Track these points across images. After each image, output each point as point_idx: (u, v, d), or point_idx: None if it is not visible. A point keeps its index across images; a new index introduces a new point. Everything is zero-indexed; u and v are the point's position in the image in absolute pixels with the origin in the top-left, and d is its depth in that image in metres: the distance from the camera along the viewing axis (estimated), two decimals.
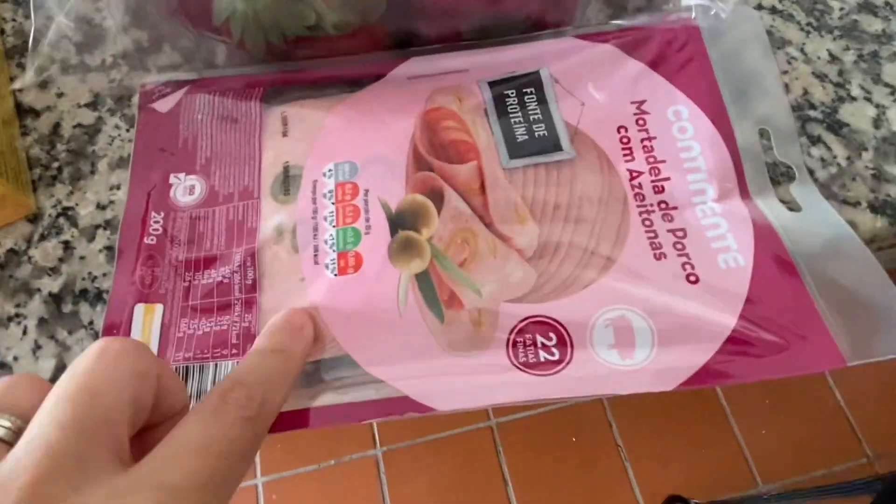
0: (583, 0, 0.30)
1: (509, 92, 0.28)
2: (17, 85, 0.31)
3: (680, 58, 0.29)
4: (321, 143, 0.28)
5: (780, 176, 0.29)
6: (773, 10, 0.35)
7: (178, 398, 0.19)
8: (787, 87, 0.32)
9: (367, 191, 0.26)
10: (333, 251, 0.25)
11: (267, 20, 0.27)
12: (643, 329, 0.23)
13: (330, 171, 0.27)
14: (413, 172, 0.26)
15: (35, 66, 0.27)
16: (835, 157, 0.30)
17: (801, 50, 0.33)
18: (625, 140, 0.27)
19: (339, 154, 0.27)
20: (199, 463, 0.15)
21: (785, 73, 0.32)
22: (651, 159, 0.27)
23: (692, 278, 0.24)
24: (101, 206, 0.30)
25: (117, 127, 0.32)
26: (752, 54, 0.30)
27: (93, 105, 0.33)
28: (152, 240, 0.26)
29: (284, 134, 0.28)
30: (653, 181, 0.27)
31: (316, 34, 0.28)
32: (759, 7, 0.35)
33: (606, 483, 0.94)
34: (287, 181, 0.27)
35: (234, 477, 0.16)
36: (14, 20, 0.36)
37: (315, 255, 0.25)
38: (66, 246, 0.29)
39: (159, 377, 0.17)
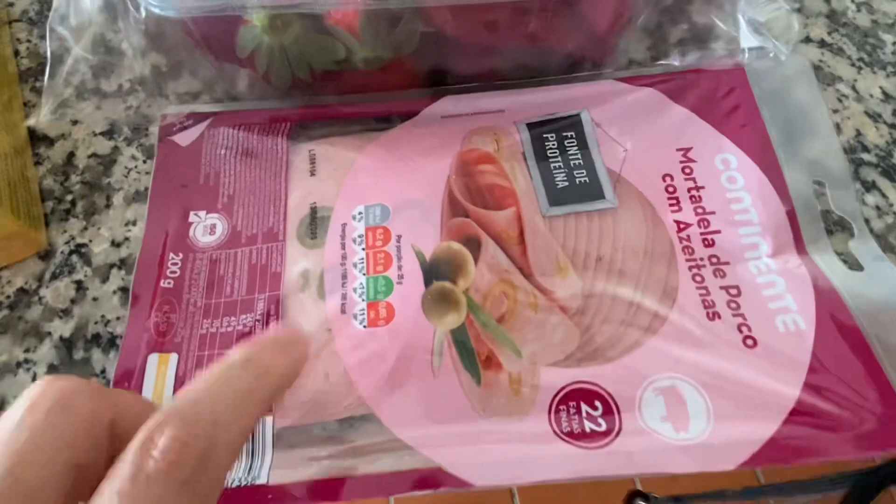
0: (623, 39, 0.29)
1: (549, 135, 0.27)
2: (31, 122, 0.30)
3: (726, 103, 0.28)
4: (351, 184, 0.26)
5: (834, 225, 0.27)
6: (822, 44, 0.33)
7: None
8: (838, 128, 0.30)
9: (399, 237, 0.25)
10: (363, 301, 0.23)
11: (294, 54, 0.26)
12: (698, 399, 0.21)
13: (360, 214, 0.25)
14: (448, 218, 0.25)
15: (51, 103, 0.26)
16: (891, 205, 0.28)
17: (853, 87, 0.32)
18: (671, 189, 0.26)
19: (369, 196, 0.26)
20: None
21: (836, 112, 0.31)
22: (700, 210, 0.25)
23: (749, 342, 0.22)
24: (115, 244, 0.28)
25: (134, 158, 0.31)
26: (800, 92, 0.29)
27: (109, 134, 0.31)
28: (169, 283, 0.25)
29: (312, 173, 0.27)
30: (702, 234, 0.25)
31: (345, 68, 0.27)
32: (807, 40, 0.33)
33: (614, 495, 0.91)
34: (314, 223, 0.25)
35: None
36: (29, 41, 0.35)
37: (343, 304, 0.24)
38: (79, 286, 0.27)
39: (114, 422, 0.13)
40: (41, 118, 0.26)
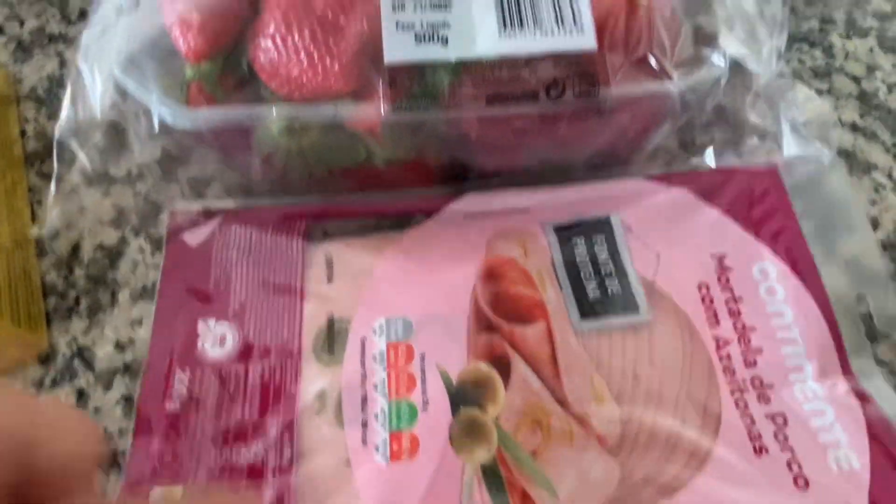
0: (652, 135, 0.28)
1: (578, 240, 0.26)
2: (35, 232, 0.29)
3: (761, 206, 0.26)
4: (371, 293, 0.25)
5: (877, 331, 0.26)
6: (854, 128, 0.32)
7: (77, 456, 0.11)
8: (875, 222, 0.29)
9: (423, 355, 0.23)
10: (385, 430, 0.22)
11: (312, 156, 0.25)
12: None
13: (381, 327, 0.24)
14: (475, 333, 0.24)
15: (57, 212, 0.24)
16: None
17: (889, 175, 0.31)
18: (707, 300, 0.25)
19: (391, 307, 0.24)
20: None
21: (873, 203, 0.30)
22: (739, 326, 0.24)
23: (800, 481, 0.21)
24: (120, 346, 0.27)
25: (141, 250, 0.29)
26: (833, 181, 0.28)
27: (116, 223, 0.30)
28: (175, 406, 0.23)
29: (329, 279, 0.25)
30: (743, 352, 0.24)
31: (363, 167, 0.26)
32: (840, 123, 0.32)
33: None
34: (332, 337, 0.24)
35: None
36: (36, 120, 0.34)
37: (363, 434, 0.22)
38: (81, 394, 0.26)
39: (33, 447, 0.10)
40: (46, 228, 0.25)
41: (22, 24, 0.38)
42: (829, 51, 0.35)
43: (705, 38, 0.23)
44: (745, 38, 0.22)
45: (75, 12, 0.39)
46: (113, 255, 0.29)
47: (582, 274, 0.25)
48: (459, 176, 0.28)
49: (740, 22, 0.23)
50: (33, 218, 0.31)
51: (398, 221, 0.27)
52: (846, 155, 0.31)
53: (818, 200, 0.27)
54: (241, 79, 0.25)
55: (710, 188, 0.27)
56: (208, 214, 0.27)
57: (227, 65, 0.24)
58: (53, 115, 0.34)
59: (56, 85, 0.35)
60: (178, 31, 0.23)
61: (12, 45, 0.37)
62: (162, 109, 0.22)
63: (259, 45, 0.23)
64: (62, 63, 0.36)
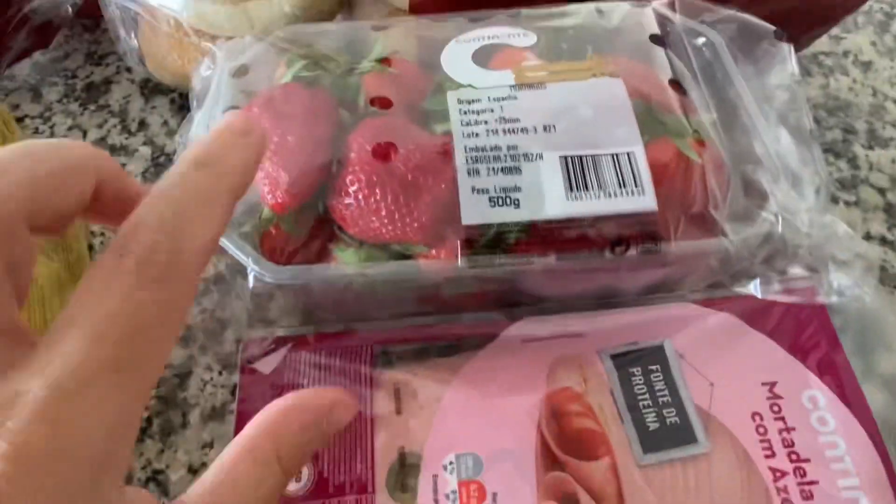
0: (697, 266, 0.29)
1: (634, 369, 0.27)
2: None
3: (805, 332, 0.28)
4: (439, 426, 0.26)
5: None
6: (883, 241, 0.34)
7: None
8: None
9: (495, 495, 0.24)
10: None
11: (384, 291, 0.27)
12: None
13: (451, 464, 0.25)
14: (543, 471, 0.25)
15: None
16: None
17: None
18: (761, 430, 0.26)
19: (459, 442, 0.25)
20: (94, 352, 0.11)
21: None
22: (794, 456, 0.25)
23: None
24: (192, 470, 0.28)
25: (209, 368, 0.31)
26: (867, 296, 0.29)
27: (183, 341, 0.32)
28: None
29: (398, 411, 0.27)
30: (799, 484, 0.25)
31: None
32: (868, 237, 0.34)
33: None
34: (404, 473, 0.25)
35: (149, 358, 0.12)
36: (103, 234, 0.36)
37: None
38: None
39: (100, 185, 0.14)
40: None
41: (84, 134, 0.40)
42: (853, 162, 0.37)
43: (755, 192, 0.24)
44: (792, 194, 0.24)
45: (135, 123, 0.41)
46: (182, 374, 0.31)
47: (641, 405, 0.26)
48: (515, 300, 0.29)
49: (785, 175, 0.25)
50: None
51: (459, 345, 0.29)
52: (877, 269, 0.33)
53: (853, 317, 0.29)
54: (317, 218, 0.26)
55: (755, 312, 0.28)
56: (279, 341, 0.29)
57: (305, 208, 0.26)
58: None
59: None
60: (266, 187, 0.25)
61: None
62: (258, 269, 0.23)
63: (341, 200, 0.24)
64: None
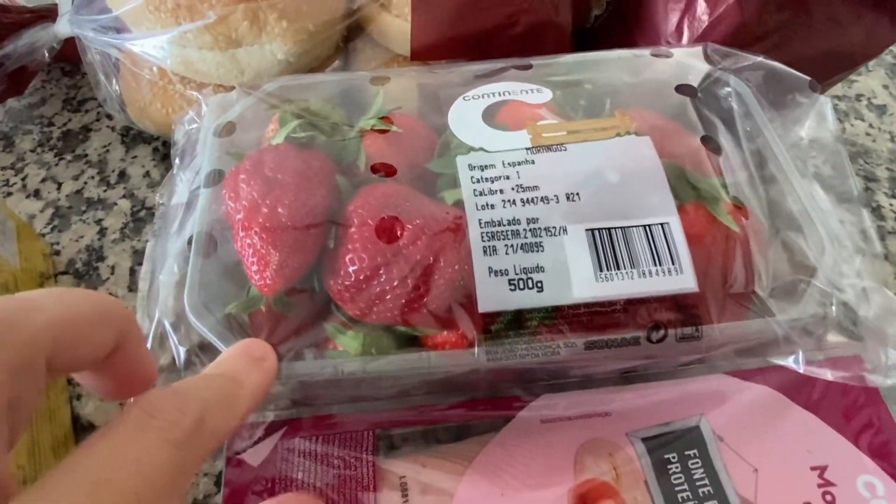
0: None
1: (670, 456, 0.24)
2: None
3: (853, 404, 0.25)
4: None
5: None
6: None
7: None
8: None
9: None
10: None
11: (389, 378, 0.24)
12: None
13: None
14: None
15: None
16: None
17: None
18: None
19: None
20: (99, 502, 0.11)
21: None
22: None
23: None
24: None
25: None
26: None
27: None
28: None
29: None
30: None
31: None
32: None
33: None
34: None
35: None
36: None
37: None
38: None
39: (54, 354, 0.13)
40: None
41: (59, 186, 0.38)
42: (877, 212, 0.35)
43: (798, 261, 0.22)
44: (840, 267, 0.22)
45: (115, 174, 0.38)
46: None
47: (680, 497, 0.23)
48: (533, 378, 0.27)
49: (830, 242, 0.22)
50: None
51: (470, 427, 0.26)
52: None
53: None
54: (312, 294, 0.24)
55: (797, 385, 0.26)
56: (269, 429, 0.26)
57: (298, 285, 0.23)
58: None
59: (95, 258, 0.34)
60: (255, 266, 0.22)
61: (49, 212, 0.36)
62: None
63: (340, 279, 0.22)
64: (101, 232, 0.35)
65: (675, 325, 0.21)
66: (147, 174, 0.38)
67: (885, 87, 0.42)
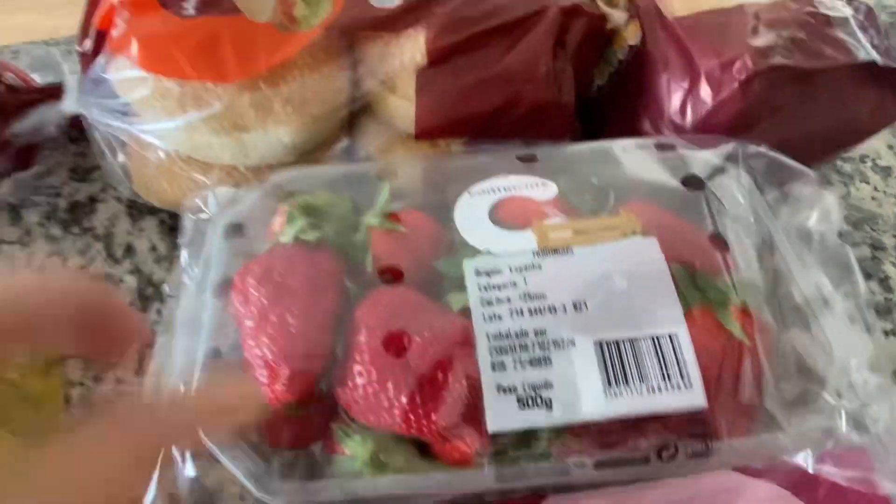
0: None
1: None
2: None
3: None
4: None
5: None
6: None
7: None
8: None
9: None
10: None
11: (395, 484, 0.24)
12: None
13: None
14: None
15: None
16: None
17: None
18: None
19: None
20: None
21: None
22: None
23: None
24: None
25: None
26: None
27: None
28: None
29: None
30: None
31: None
32: None
33: None
34: None
35: None
36: (82, 384, 0.33)
37: None
38: None
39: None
40: None
41: (64, 262, 0.38)
42: (885, 283, 0.35)
43: (808, 372, 0.22)
44: (851, 376, 0.21)
45: (121, 248, 0.38)
46: None
47: None
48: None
49: (838, 344, 0.22)
50: None
51: None
52: None
53: None
54: (320, 396, 0.24)
55: (804, 482, 0.25)
56: None
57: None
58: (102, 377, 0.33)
59: None
60: (265, 378, 0.22)
61: None
62: (255, 484, 0.20)
63: (348, 389, 0.22)
64: None
65: (685, 441, 0.20)
66: (153, 248, 0.38)
67: (891, 147, 0.42)
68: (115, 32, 0.31)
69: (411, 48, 0.32)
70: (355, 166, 0.30)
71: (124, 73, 0.32)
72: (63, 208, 0.40)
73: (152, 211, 0.40)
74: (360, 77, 0.33)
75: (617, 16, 0.37)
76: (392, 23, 0.32)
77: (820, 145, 0.35)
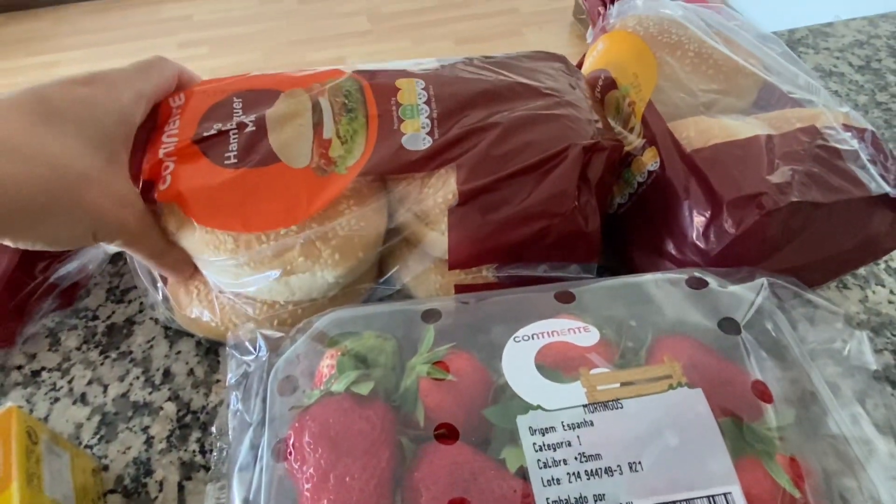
0: None
1: None
2: None
3: None
4: None
5: None
6: None
7: None
8: None
9: None
10: None
11: None
12: None
13: None
14: None
15: None
16: None
17: None
18: None
19: None
20: None
21: None
22: None
23: None
24: None
25: None
26: None
27: None
28: None
29: None
30: None
31: None
32: None
33: None
34: None
35: None
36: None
37: None
38: None
39: None
40: None
41: (105, 389, 0.38)
42: None
43: None
44: None
45: (159, 373, 0.39)
46: None
47: None
48: None
49: (888, 495, 0.23)
50: None
51: None
52: None
53: None
54: None
55: None
56: None
57: None
58: None
59: (143, 472, 0.34)
60: None
61: (96, 419, 0.37)
62: None
63: None
64: (148, 442, 0.36)
65: None
66: (191, 372, 0.39)
67: None
68: (162, 186, 0.32)
69: (443, 188, 0.33)
70: (399, 306, 0.31)
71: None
72: (101, 331, 0.41)
73: (189, 333, 0.41)
74: (395, 210, 0.35)
75: (633, 140, 0.39)
76: (422, 165, 0.34)
77: (837, 265, 0.36)
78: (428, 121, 0.35)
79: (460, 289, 0.36)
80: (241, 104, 0.36)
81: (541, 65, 0.41)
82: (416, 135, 0.35)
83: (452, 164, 0.34)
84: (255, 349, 0.30)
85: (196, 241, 0.32)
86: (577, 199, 0.33)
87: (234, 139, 0.34)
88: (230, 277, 0.33)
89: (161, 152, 0.33)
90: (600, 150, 0.35)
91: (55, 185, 0.27)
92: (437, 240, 0.34)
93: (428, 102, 0.36)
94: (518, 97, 0.37)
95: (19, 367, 0.39)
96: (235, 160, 0.33)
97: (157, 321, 0.41)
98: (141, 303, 0.43)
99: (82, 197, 0.28)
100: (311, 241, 0.31)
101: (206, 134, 0.34)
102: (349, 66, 0.39)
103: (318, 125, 0.35)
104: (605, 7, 0.48)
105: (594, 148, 0.34)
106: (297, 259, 0.31)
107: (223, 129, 0.34)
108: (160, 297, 0.38)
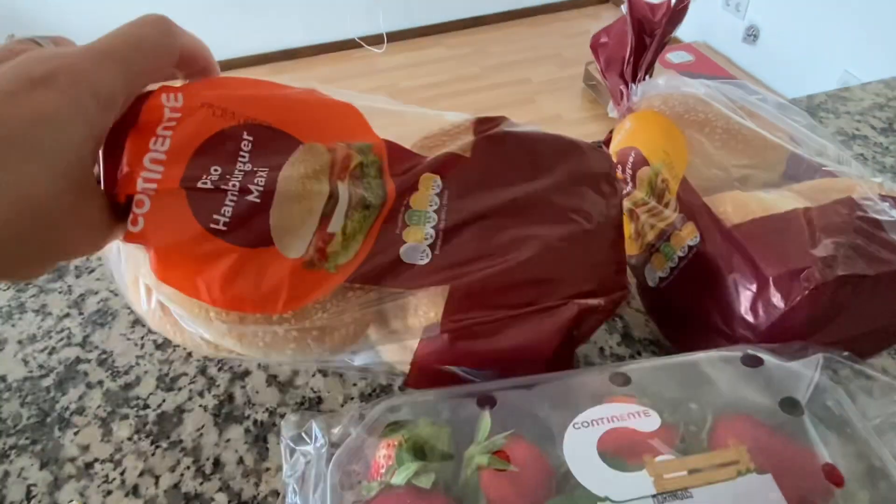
0: None
1: None
2: None
3: None
4: None
5: None
6: None
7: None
8: None
9: None
10: None
11: None
12: None
13: None
14: None
15: None
16: None
17: None
18: None
19: None
20: None
21: None
22: None
23: None
24: None
25: None
26: None
27: None
28: None
29: None
30: None
31: None
32: None
33: None
34: None
35: None
36: None
37: None
38: None
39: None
40: None
41: (157, 480, 0.38)
42: None
43: None
44: None
45: (210, 463, 0.39)
46: None
47: None
48: None
49: None
50: None
51: None
52: None
53: None
54: None
55: None
56: None
57: None
58: None
59: None
60: None
61: None
62: None
63: None
64: None
65: None
66: (241, 460, 0.39)
67: None
68: (133, 228, 0.27)
69: (426, 306, 0.32)
70: (452, 390, 0.31)
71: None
72: (152, 420, 0.42)
73: (237, 418, 0.41)
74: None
75: (669, 215, 0.40)
76: (416, 282, 0.32)
77: (889, 334, 0.36)
78: (433, 231, 0.33)
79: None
80: (250, 145, 0.31)
81: (583, 171, 0.37)
82: (417, 246, 0.32)
83: (442, 288, 0.32)
84: (310, 438, 0.30)
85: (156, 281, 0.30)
86: (554, 352, 0.31)
87: (230, 202, 0.29)
88: (211, 338, 0.33)
89: (139, 180, 0.28)
90: (598, 311, 0.32)
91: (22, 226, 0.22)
92: (399, 349, 0.33)
93: (438, 211, 0.34)
94: (538, 219, 0.34)
95: (72, 460, 0.40)
96: (224, 228, 0.29)
97: (205, 408, 0.42)
98: (190, 389, 0.43)
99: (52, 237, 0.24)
100: (275, 332, 0.31)
101: (199, 185, 0.29)
102: (374, 102, 0.36)
103: (326, 216, 0.31)
104: (627, 86, 0.50)
105: (593, 310, 0.32)
106: (257, 341, 0.32)
107: (222, 187, 0.29)
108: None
